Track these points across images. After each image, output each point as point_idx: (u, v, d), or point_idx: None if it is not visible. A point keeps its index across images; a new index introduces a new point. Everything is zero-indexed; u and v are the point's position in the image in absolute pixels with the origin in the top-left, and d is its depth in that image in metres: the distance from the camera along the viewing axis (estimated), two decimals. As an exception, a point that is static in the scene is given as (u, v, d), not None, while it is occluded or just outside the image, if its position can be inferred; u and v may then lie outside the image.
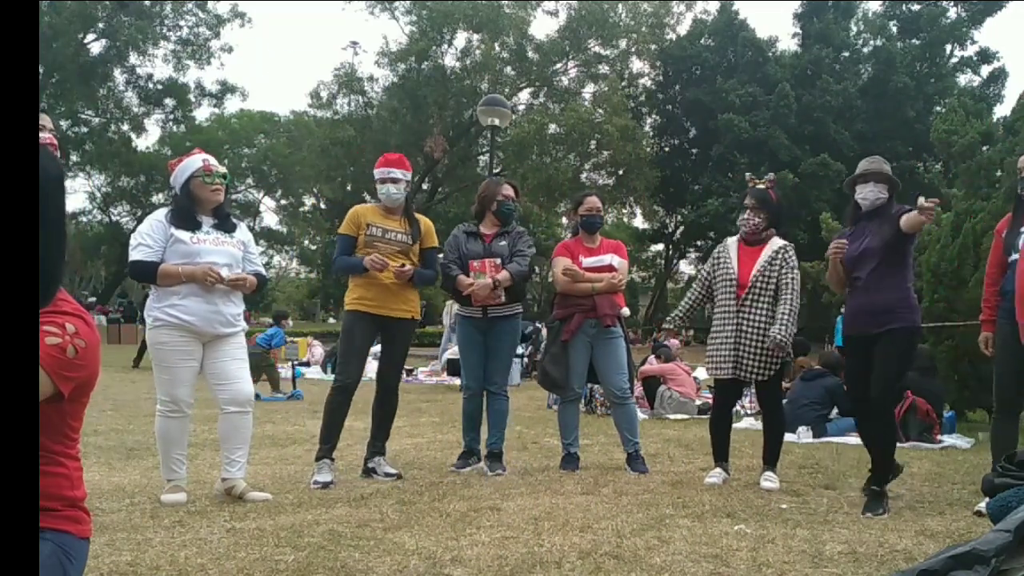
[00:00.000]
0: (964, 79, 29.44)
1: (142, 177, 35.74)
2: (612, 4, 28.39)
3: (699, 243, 32.13)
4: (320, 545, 3.01)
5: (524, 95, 30.18)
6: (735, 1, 30.59)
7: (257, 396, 8.89)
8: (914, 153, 27.19)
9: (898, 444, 4.41)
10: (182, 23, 30.45)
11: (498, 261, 4.67)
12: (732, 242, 4.62)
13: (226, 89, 33.26)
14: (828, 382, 6.85)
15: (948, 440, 6.41)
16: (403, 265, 4.33)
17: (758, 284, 4.40)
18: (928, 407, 6.39)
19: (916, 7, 29.61)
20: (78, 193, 41.26)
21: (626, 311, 5.00)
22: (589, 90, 29.58)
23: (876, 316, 3.88)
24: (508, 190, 4.90)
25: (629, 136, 26.24)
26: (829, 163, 25.52)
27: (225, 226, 3.90)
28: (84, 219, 38.64)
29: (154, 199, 35.07)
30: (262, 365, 9.72)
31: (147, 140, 46.51)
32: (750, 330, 4.37)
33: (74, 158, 31.37)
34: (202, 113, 36.96)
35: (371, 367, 4.90)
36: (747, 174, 4.93)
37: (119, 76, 31.39)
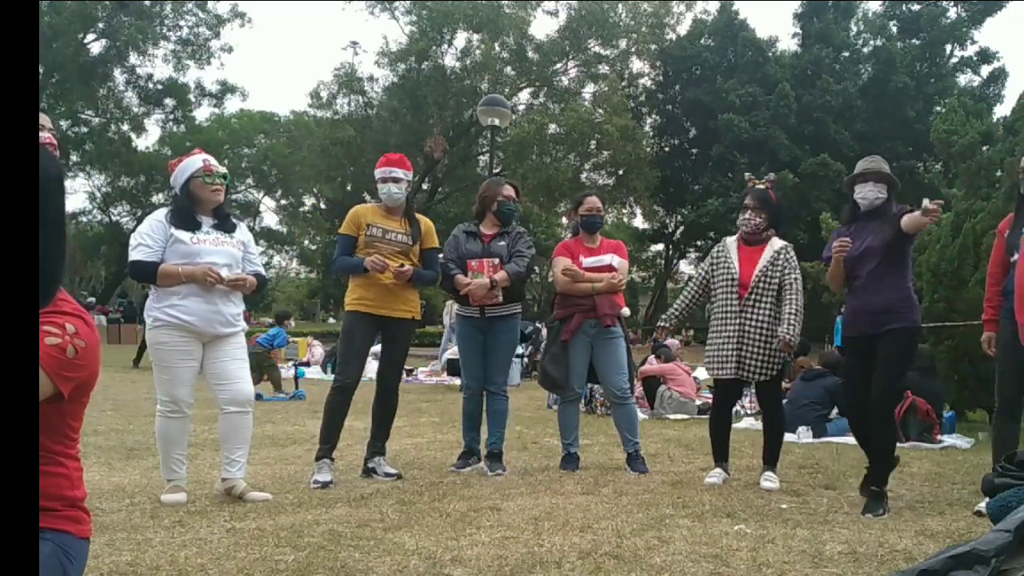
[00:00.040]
0: (964, 79, 29.47)
1: (142, 177, 35.77)
2: (612, 4, 28.40)
3: (699, 243, 32.12)
4: (320, 545, 3.01)
5: (524, 95, 30.23)
6: (735, 1, 30.64)
7: (260, 396, 8.91)
8: (914, 153, 27.20)
9: (898, 444, 4.41)
10: (182, 23, 30.48)
11: (496, 261, 4.67)
12: (731, 242, 4.62)
13: (226, 89, 33.29)
14: (828, 382, 6.85)
15: (948, 440, 6.41)
16: (402, 265, 4.33)
17: (761, 284, 4.40)
18: (928, 407, 6.39)
19: (916, 7, 29.62)
20: (78, 193, 41.29)
21: (626, 311, 5.00)
22: (589, 90, 29.62)
23: (877, 316, 3.87)
24: (509, 190, 4.90)
25: (629, 136, 26.25)
26: (829, 163, 25.53)
27: (225, 226, 3.89)
28: (84, 219, 38.68)
29: (154, 199, 35.09)
30: (264, 365, 9.72)
31: (147, 140, 46.57)
32: (753, 330, 4.37)
33: (74, 158, 31.38)
34: (202, 113, 37.04)
35: (371, 367, 4.90)
36: (747, 174, 4.93)
37: (119, 76, 31.45)
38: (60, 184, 1.47)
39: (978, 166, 8.66)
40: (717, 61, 29.60)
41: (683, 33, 30.43)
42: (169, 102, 32.83)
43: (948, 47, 29.38)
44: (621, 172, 28.01)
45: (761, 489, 4.29)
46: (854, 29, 29.97)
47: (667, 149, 32.08)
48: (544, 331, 9.89)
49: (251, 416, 3.94)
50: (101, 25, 29.30)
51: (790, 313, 4.32)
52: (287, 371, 10.83)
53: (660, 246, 35.88)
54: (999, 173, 8.24)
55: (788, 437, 5.33)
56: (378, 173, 4.49)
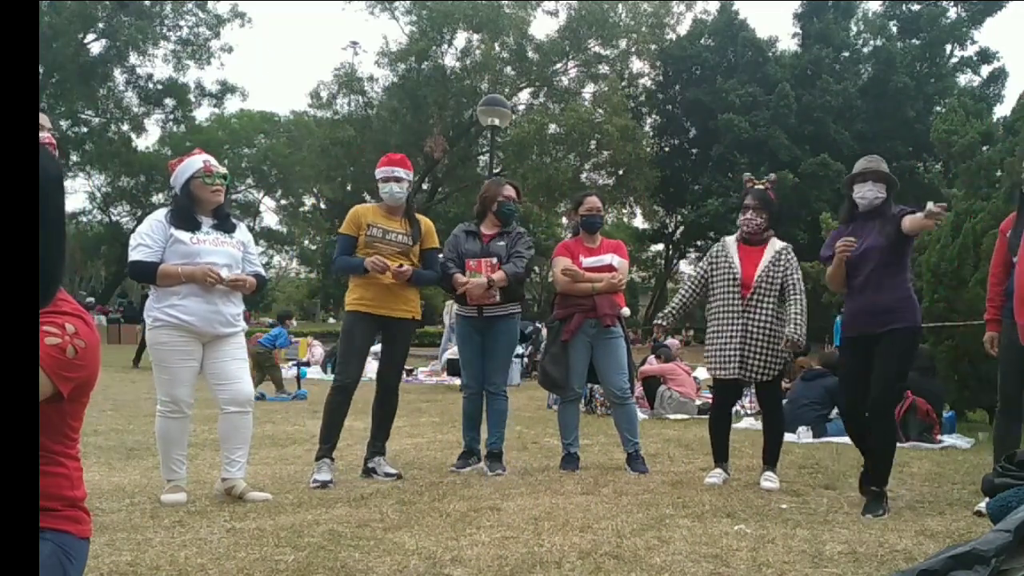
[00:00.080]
0: (964, 79, 29.50)
1: (142, 177, 35.79)
2: (612, 4, 28.42)
3: (699, 243, 32.13)
4: (320, 545, 3.01)
5: (524, 95, 30.26)
6: (735, 1, 30.65)
7: (262, 396, 8.92)
8: (914, 153, 27.22)
9: (898, 444, 4.41)
10: (182, 23, 30.51)
11: (494, 261, 4.67)
12: (731, 241, 4.61)
13: (226, 89, 33.33)
14: (828, 382, 6.84)
15: (948, 440, 6.41)
16: (401, 266, 4.33)
17: (763, 285, 4.40)
18: (928, 407, 6.39)
19: (916, 7, 29.64)
20: (78, 193, 41.38)
21: (626, 311, 5.00)
22: (589, 90, 29.65)
23: (877, 316, 3.86)
24: (510, 191, 4.90)
25: (629, 136, 26.27)
26: (829, 163, 25.54)
27: (225, 227, 3.89)
28: (84, 219, 38.69)
29: (154, 199, 35.11)
30: (265, 365, 9.72)
31: (147, 140, 46.59)
32: (756, 330, 4.37)
33: (74, 158, 31.41)
34: (202, 113, 37.08)
35: (371, 367, 4.89)
36: (745, 174, 4.93)
37: (119, 76, 31.50)
38: (60, 184, 1.47)
39: (978, 166, 8.67)
40: (717, 61, 29.61)
41: (683, 33, 30.46)
42: (169, 102, 32.86)
43: (948, 47, 29.40)
44: (621, 172, 28.03)
45: (761, 489, 4.29)
46: (854, 29, 29.98)
47: (667, 149, 32.10)
48: (544, 331, 9.89)
49: (251, 416, 3.94)
50: (101, 25, 29.32)
51: (796, 313, 4.33)
52: (287, 371, 10.82)
53: (660, 246, 35.91)
54: (999, 173, 8.25)
55: (788, 437, 5.32)
56: (380, 172, 4.49)
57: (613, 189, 28.05)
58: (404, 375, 6.29)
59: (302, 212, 42.09)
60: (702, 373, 9.31)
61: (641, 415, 6.76)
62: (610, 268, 4.86)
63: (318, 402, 5.45)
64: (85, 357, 1.49)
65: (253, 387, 4.13)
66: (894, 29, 29.61)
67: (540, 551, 2.95)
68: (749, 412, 7.71)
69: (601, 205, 5.15)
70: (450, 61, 28.71)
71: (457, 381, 9.89)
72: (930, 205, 3.60)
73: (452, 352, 11.23)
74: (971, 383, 7.52)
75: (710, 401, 6.01)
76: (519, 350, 11.68)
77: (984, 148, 8.98)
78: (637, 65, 31.12)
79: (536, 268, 25.86)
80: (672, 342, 12.38)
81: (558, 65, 29.43)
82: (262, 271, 4.08)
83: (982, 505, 3.41)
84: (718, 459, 4.60)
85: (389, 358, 4.53)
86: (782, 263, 4.45)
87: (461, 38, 28.86)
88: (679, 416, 7.97)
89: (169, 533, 3.16)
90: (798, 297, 4.38)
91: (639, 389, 8.21)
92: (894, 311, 3.85)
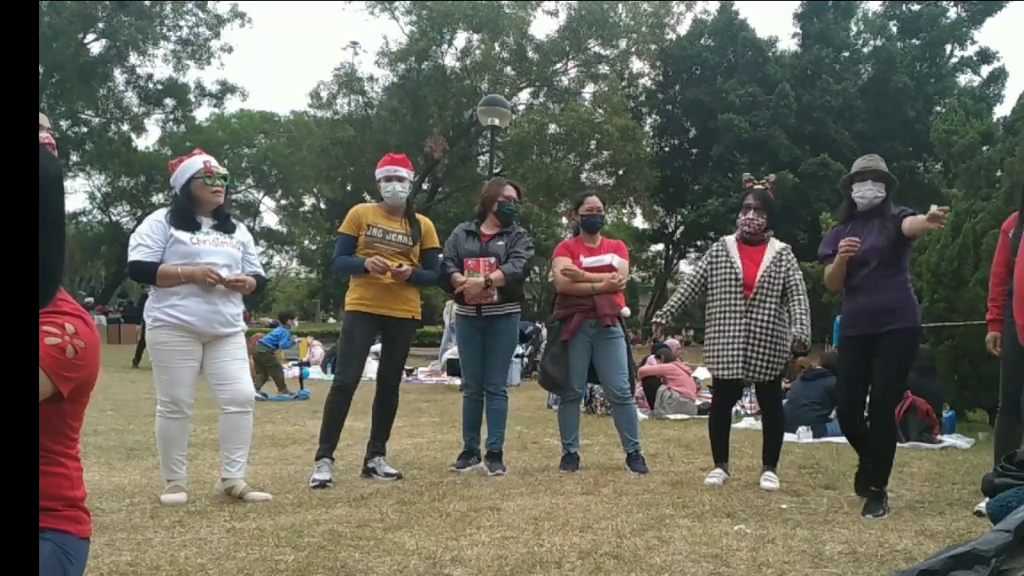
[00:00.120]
0: (964, 79, 29.50)
1: (142, 177, 35.78)
2: (612, 4, 28.41)
3: (699, 243, 32.13)
4: (320, 545, 3.01)
5: (524, 95, 30.24)
6: (735, 1, 30.65)
7: (265, 396, 8.92)
8: (914, 153, 27.22)
9: (898, 444, 4.41)
10: (182, 23, 30.50)
11: (492, 260, 4.67)
12: (731, 241, 4.61)
13: (226, 89, 33.31)
14: (828, 382, 6.83)
15: (948, 440, 6.41)
16: (400, 266, 4.33)
17: (766, 285, 4.40)
18: (928, 407, 6.39)
19: (916, 7, 29.64)
20: (78, 193, 41.40)
21: (626, 311, 5.00)
22: (589, 90, 29.63)
23: (877, 316, 3.86)
24: (510, 191, 4.90)
25: (629, 136, 26.26)
26: (829, 163, 25.53)
27: (225, 227, 3.90)
28: (84, 219, 38.68)
29: (154, 199, 35.11)
30: (267, 365, 9.72)
31: (147, 140, 46.62)
32: (759, 330, 4.37)
33: (74, 158, 31.40)
34: (202, 113, 37.07)
35: (371, 367, 4.89)
36: (745, 174, 4.93)
37: (119, 76, 31.47)
38: (60, 184, 1.47)
39: (978, 166, 8.66)
40: (717, 61, 29.61)
41: (683, 33, 30.45)
42: (169, 102, 32.85)
43: (948, 47, 29.40)
44: (621, 172, 28.02)
45: (761, 489, 4.29)
46: (854, 29, 29.98)
47: (667, 149, 32.09)
48: (544, 331, 9.89)
49: (251, 416, 3.94)
50: (101, 25, 29.31)
51: (800, 313, 4.35)
52: (289, 371, 10.82)
53: (660, 246, 35.91)
54: (999, 173, 8.24)
55: (788, 437, 5.32)
56: (382, 172, 4.49)
57: (613, 189, 28.03)
58: (404, 375, 6.29)
59: (302, 212, 42.09)
60: (702, 373, 9.31)
61: (641, 415, 6.76)
62: (610, 268, 4.86)
63: (318, 402, 5.45)
64: (85, 357, 1.49)
65: (254, 387, 4.13)
66: (894, 29, 29.60)
67: (540, 551, 2.95)
68: (749, 412, 7.71)
69: (601, 205, 5.14)
70: (450, 61, 28.75)
71: (457, 381, 9.89)
72: (933, 208, 3.59)
73: (452, 352, 11.23)
74: (971, 383, 7.52)
75: (710, 401, 6.01)
76: (519, 350, 11.68)
77: (984, 148, 8.97)
78: (637, 65, 31.17)
79: (536, 268, 25.87)
80: (672, 342, 12.38)
81: (558, 65, 29.43)
82: (262, 271, 4.08)
83: (982, 505, 3.41)
84: (718, 459, 4.60)
85: (389, 358, 4.53)
86: (783, 263, 4.46)
87: (461, 38, 28.90)
88: (679, 416, 7.97)
89: (169, 533, 3.16)
90: (801, 297, 4.39)
91: (639, 389, 8.20)
92: (894, 311, 3.84)
